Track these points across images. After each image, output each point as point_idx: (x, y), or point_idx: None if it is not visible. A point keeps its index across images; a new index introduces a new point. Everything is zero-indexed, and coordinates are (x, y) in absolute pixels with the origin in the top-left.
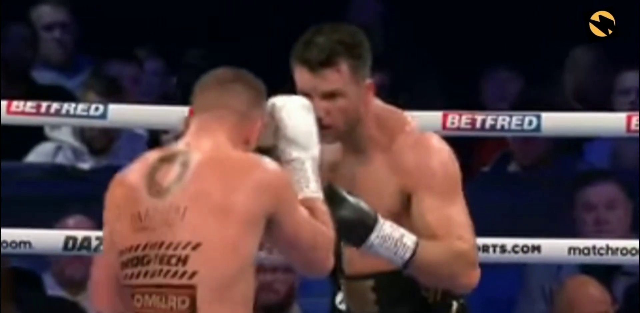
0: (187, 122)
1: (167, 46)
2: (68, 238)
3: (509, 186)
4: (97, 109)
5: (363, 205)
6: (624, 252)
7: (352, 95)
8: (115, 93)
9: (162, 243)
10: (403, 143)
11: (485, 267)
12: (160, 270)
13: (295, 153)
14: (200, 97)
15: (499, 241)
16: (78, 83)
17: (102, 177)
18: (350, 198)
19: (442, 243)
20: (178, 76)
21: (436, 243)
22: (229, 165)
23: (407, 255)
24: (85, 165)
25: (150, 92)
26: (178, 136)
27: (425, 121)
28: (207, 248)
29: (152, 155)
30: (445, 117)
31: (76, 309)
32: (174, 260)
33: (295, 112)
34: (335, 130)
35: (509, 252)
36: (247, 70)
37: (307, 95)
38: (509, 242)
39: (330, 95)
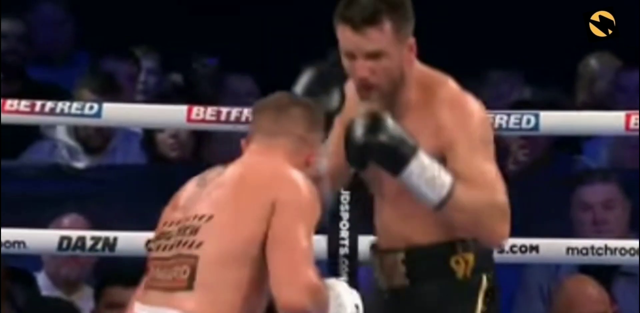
0: (247, 142)
1: (165, 44)
2: (62, 238)
3: (507, 185)
4: (91, 107)
5: (404, 133)
6: (623, 251)
7: (395, 54)
8: (110, 91)
9: (186, 218)
10: (440, 102)
11: None
12: (178, 242)
13: None
14: (258, 120)
15: None
16: (74, 80)
17: (97, 176)
18: (392, 125)
19: (478, 191)
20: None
21: (472, 189)
22: (261, 171)
23: (444, 192)
24: (80, 164)
25: (147, 91)
26: (174, 135)
27: None
28: (217, 221)
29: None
30: None
31: (71, 309)
32: (188, 231)
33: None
34: (379, 90)
35: (507, 252)
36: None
37: (351, 55)
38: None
39: (374, 55)
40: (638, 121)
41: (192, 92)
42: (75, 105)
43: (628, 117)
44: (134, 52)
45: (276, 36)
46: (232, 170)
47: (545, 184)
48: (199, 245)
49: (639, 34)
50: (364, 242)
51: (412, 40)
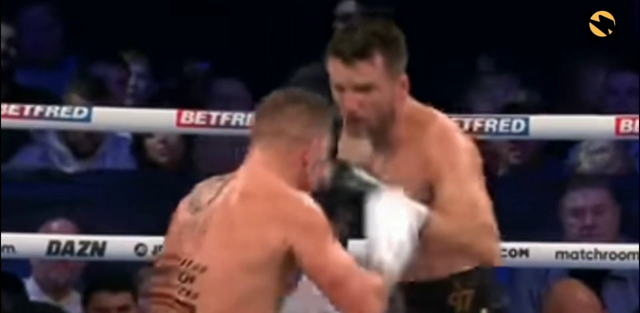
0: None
1: (154, 49)
2: (52, 242)
3: (497, 189)
4: (80, 111)
5: (372, 179)
6: (613, 256)
7: (386, 89)
8: (99, 95)
9: (182, 258)
10: (429, 137)
11: None
12: (177, 287)
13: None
14: (256, 124)
15: None
16: (62, 85)
17: (87, 181)
18: (359, 173)
19: (456, 217)
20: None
21: (450, 217)
22: (256, 196)
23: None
24: (70, 168)
25: (136, 95)
26: (163, 140)
27: None
28: (211, 274)
29: (205, 182)
30: None
31: None
32: (184, 277)
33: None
34: (368, 123)
35: None
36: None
37: (340, 87)
38: None
39: (364, 88)
40: (629, 125)
41: (182, 96)
42: (64, 109)
43: (618, 121)
44: (123, 57)
45: (267, 40)
46: (223, 204)
47: (535, 188)
48: (195, 296)
49: (629, 37)
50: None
51: (404, 77)
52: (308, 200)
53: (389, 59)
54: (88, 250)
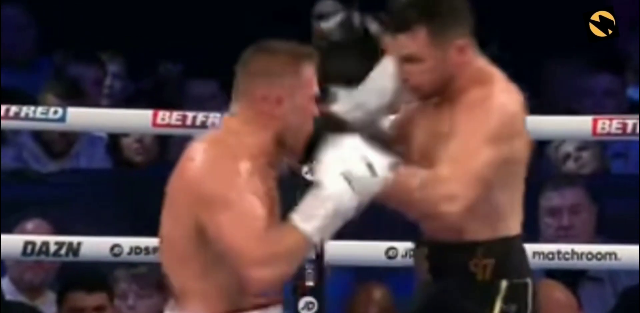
0: None
1: (131, 49)
2: (27, 243)
3: None
4: (55, 112)
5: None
6: (589, 256)
7: (432, 58)
8: (75, 96)
9: None
10: (467, 100)
11: None
12: None
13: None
14: None
15: None
16: (38, 85)
17: (61, 180)
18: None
19: (425, 170)
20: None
21: (419, 170)
22: (187, 169)
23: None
24: (44, 168)
25: (113, 95)
26: (139, 139)
27: None
28: (163, 244)
29: None
30: None
31: None
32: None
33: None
34: (421, 91)
35: None
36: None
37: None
38: None
39: (409, 59)
40: (606, 126)
41: (158, 96)
42: (39, 109)
43: (595, 121)
44: (100, 57)
45: (243, 40)
46: (175, 175)
47: None
48: (164, 263)
49: (606, 37)
50: (338, 246)
51: (461, 42)
52: (223, 170)
53: (433, 29)
54: (63, 251)
